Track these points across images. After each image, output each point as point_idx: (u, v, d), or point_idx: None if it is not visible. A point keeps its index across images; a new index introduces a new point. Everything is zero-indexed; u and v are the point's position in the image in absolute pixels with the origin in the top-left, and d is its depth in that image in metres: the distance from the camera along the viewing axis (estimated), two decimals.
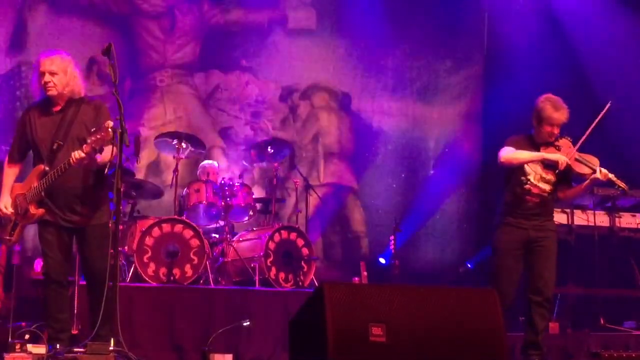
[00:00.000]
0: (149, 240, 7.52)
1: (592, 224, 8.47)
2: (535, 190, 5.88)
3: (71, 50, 9.49)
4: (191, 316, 7.00)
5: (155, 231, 7.59)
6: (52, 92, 5.35)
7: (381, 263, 9.95)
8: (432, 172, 10.95)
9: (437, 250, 10.74)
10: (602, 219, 8.55)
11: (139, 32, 10.02)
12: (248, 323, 6.88)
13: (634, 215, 8.65)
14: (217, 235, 8.43)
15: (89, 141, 5.04)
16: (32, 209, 5.32)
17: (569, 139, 5.95)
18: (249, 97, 10.41)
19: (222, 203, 8.22)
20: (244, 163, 9.55)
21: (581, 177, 5.94)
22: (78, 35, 9.67)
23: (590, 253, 8.36)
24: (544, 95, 5.96)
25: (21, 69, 9.44)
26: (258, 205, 8.88)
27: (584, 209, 8.55)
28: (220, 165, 9.33)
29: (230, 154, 10.13)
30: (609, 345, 7.51)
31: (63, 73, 5.35)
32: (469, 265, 10.12)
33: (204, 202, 8.21)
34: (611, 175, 5.82)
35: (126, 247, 7.72)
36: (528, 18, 10.54)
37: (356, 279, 8.90)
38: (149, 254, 7.51)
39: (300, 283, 8.03)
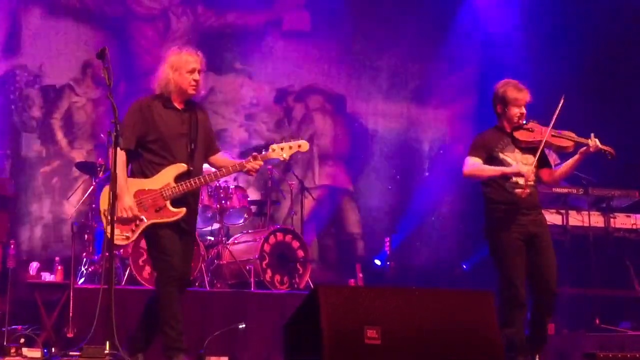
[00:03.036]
0: (144, 243, 7.46)
1: (587, 225, 8.46)
2: (524, 185, 5.78)
3: (66, 54, 9.65)
4: (186, 319, 6.91)
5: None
6: (197, 91, 5.32)
7: (377, 265, 9.96)
8: (427, 173, 10.97)
9: (432, 252, 10.75)
10: (596, 220, 8.55)
11: (134, 35, 10.02)
12: (243, 326, 6.87)
13: (628, 216, 8.65)
14: (212, 238, 8.43)
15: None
16: (173, 208, 5.14)
17: (535, 121, 5.92)
18: (244, 99, 10.42)
19: (217, 206, 8.22)
20: None
21: (564, 151, 5.89)
22: (72, 38, 9.67)
23: (585, 254, 8.37)
24: (502, 80, 5.96)
25: (15, 72, 9.44)
26: (253, 208, 8.89)
27: (578, 209, 8.56)
28: None
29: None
30: (605, 345, 7.52)
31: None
32: (464, 267, 10.14)
33: (199, 204, 8.20)
34: (600, 145, 5.73)
35: (121, 250, 7.70)
36: (522, 18, 10.57)
37: (352, 280, 8.91)
38: (144, 256, 7.49)
39: (295, 285, 8.03)
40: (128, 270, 7.57)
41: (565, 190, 8.26)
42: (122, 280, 7.59)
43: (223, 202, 8.25)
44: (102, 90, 9.48)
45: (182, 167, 5.20)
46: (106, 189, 5.15)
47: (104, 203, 5.13)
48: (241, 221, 8.72)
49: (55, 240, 9.23)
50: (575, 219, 8.50)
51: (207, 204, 8.19)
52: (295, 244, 8.23)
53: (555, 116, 5.81)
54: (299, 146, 5.43)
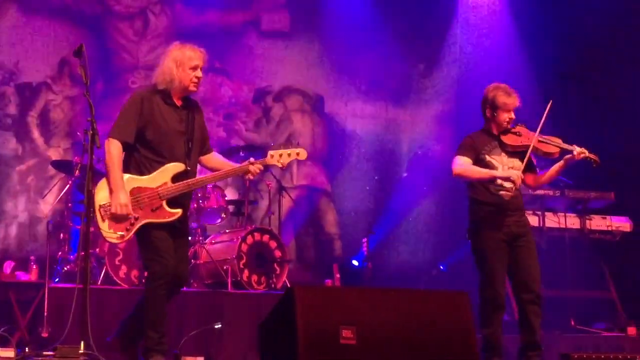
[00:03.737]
0: (120, 243, 7.46)
1: (563, 226, 8.53)
2: (509, 187, 5.81)
3: (42, 51, 9.60)
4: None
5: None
6: (197, 89, 5.28)
7: (354, 265, 9.97)
8: (405, 174, 11.00)
9: (410, 253, 10.78)
10: (572, 221, 8.61)
11: (111, 33, 9.98)
12: (219, 326, 6.86)
13: (604, 218, 8.71)
14: (189, 238, 8.40)
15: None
16: (169, 208, 5.10)
17: (523, 125, 5.97)
18: (222, 98, 10.41)
19: (195, 205, 8.21)
20: None
21: (550, 157, 5.94)
22: (49, 36, 9.62)
23: (561, 255, 8.44)
24: (492, 84, 5.98)
25: None
26: (231, 208, 8.87)
27: (555, 211, 8.62)
28: None
29: None
30: (580, 346, 7.60)
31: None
32: (441, 268, 10.18)
33: None
34: (586, 153, 5.77)
35: (97, 249, 7.69)
36: (501, 20, 10.63)
37: (329, 281, 8.93)
38: (121, 256, 7.49)
39: (272, 285, 8.03)
40: (104, 270, 7.54)
41: (541, 192, 8.31)
42: (98, 280, 7.56)
43: (200, 201, 8.24)
44: (79, 88, 9.44)
45: (180, 166, 5.16)
46: (102, 183, 5.10)
47: (100, 198, 5.05)
48: (218, 221, 8.71)
49: (31, 239, 9.18)
50: (552, 220, 8.56)
51: None
52: (273, 244, 8.23)
53: (542, 121, 5.85)
54: (298, 154, 5.42)
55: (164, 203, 5.10)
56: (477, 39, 10.87)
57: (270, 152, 5.40)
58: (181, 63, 5.17)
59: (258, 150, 9.12)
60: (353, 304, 4.73)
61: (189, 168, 5.18)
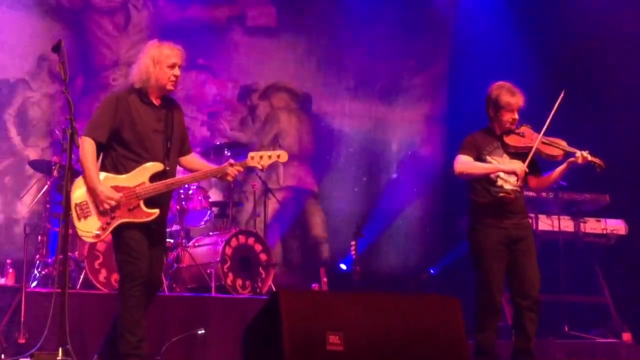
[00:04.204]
0: (100, 245, 7.47)
1: (557, 229, 8.57)
2: (510, 190, 5.83)
3: (20, 47, 9.56)
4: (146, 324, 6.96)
5: (107, 236, 7.53)
6: (176, 88, 5.30)
7: (342, 269, 9.99)
8: (394, 175, 11.02)
9: (399, 256, 10.80)
10: (566, 224, 8.65)
11: (92, 29, 9.95)
12: (203, 331, 6.86)
13: (599, 220, 8.76)
14: (171, 240, 8.40)
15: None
16: (146, 208, 5.13)
17: (528, 126, 5.98)
18: (206, 96, 10.40)
19: (177, 207, 8.20)
20: None
21: (553, 160, 5.95)
22: (27, 31, 9.57)
23: (555, 258, 8.46)
24: (496, 83, 5.98)
25: None
26: (215, 209, 8.87)
27: (548, 213, 8.65)
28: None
29: None
30: (574, 353, 7.62)
31: None
32: (431, 272, 10.20)
33: None
34: (590, 157, 5.77)
35: (76, 253, 7.67)
36: (495, 15, 10.65)
37: (316, 285, 8.93)
38: (101, 259, 7.47)
39: (258, 290, 8.04)
40: (83, 274, 7.52)
41: (534, 194, 8.35)
42: (77, 284, 7.54)
43: (183, 202, 8.23)
44: (58, 85, 9.40)
45: (158, 166, 5.19)
46: (78, 181, 5.13)
47: (76, 196, 5.08)
48: (202, 223, 8.71)
49: (7, 242, 9.13)
50: (545, 223, 8.61)
51: None
52: (258, 247, 8.25)
53: (547, 123, 5.87)
54: (278, 156, 5.42)
55: (141, 203, 5.14)
56: (470, 35, 10.86)
57: (251, 154, 5.43)
58: (158, 61, 5.21)
59: (244, 149, 9.14)
60: (340, 308, 4.74)
61: (167, 168, 5.22)
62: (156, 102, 5.28)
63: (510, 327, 6.02)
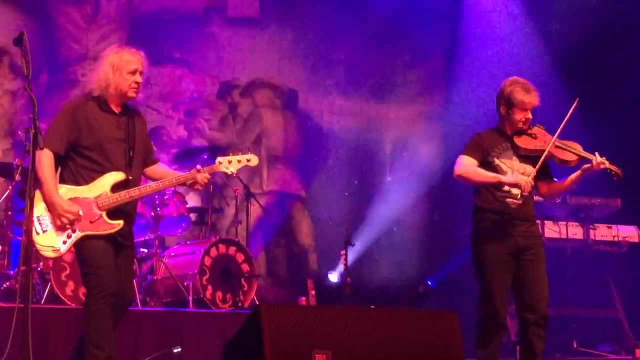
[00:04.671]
0: (67, 256, 7.42)
1: (565, 237, 8.58)
2: (518, 195, 5.80)
3: None
4: (115, 341, 6.94)
5: (69, 250, 7.51)
6: (137, 95, 5.36)
7: (331, 281, 9.99)
8: (388, 178, 11.04)
9: (394, 266, 10.80)
10: (575, 231, 8.66)
11: (57, 20, 9.92)
12: (179, 350, 6.85)
13: (609, 227, 8.77)
14: (145, 250, 8.39)
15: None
16: (109, 220, 5.19)
17: (542, 126, 5.94)
18: (183, 93, 10.39)
19: (152, 213, 8.19)
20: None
21: (566, 165, 5.91)
22: None
23: (563, 268, 8.48)
24: (510, 78, 5.94)
25: None
26: (192, 216, 8.87)
27: (555, 219, 8.65)
28: None
29: (161, 158, 10.03)
30: None
31: None
32: (429, 283, 10.21)
33: None
34: (606, 164, 5.70)
35: (41, 264, 7.63)
36: (494, 11, 10.70)
37: (303, 298, 8.93)
38: (67, 271, 7.43)
39: (239, 304, 8.03)
40: (49, 287, 7.49)
41: (540, 198, 8.37)
42: (42, 298, 7.51)
43: (158, 209, 8.22)
44: (21, 82, 9.39)
45: (119, 175, 5.26)
46: (39, 193, 5.17)
47: (37, 209, 5.14)
48: (179, 231, 8.70)
49: None
50: (552, 229, 8.61)
51: (140, 211, 8.14)
52: (240, 257, 8.24)
53: (562, 125, 5.80)
54: (248, 160, 5.63)
55: (103, 214, 5.21)
56: (468, 28, 10.90)
57: (219, 159, 5.58)
58: (118, 68, 5.30)
59: (223, 153, 9.10)
60: (328, 325, 4.74)
61: (130, 177, 5.29)
62: (116, 109, 5.36)
63: (514, 344, 6.01)
